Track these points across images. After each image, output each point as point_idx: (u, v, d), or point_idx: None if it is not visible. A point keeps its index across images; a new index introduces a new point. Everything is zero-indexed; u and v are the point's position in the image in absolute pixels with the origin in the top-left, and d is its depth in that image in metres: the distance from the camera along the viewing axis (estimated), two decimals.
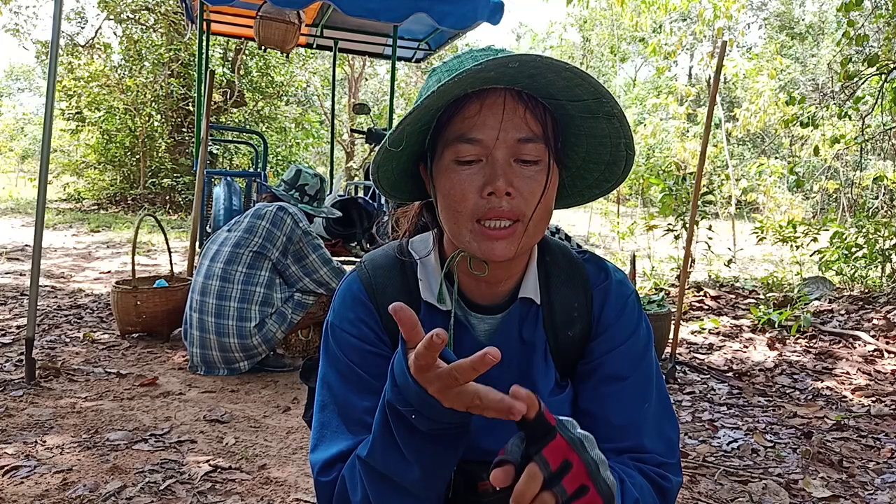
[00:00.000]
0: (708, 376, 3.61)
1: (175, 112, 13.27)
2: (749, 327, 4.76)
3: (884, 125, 6.94)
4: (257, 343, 3.11)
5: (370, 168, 0.89)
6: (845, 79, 6.07)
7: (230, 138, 10.24)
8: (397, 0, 4.23)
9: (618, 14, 12.01)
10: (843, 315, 5.01)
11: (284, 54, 6.25)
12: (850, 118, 6.61)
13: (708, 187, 6.27)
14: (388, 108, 5.90)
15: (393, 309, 0.67)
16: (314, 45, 6.53)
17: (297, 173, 3.51)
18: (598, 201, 10.80)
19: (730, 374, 3.67)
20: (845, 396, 3.31)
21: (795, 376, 3.64)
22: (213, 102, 4.62)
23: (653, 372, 0.96)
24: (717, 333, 4.61)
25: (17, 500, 1.88)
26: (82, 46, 14.00)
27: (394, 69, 5.32)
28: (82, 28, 21.21)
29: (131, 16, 13.40)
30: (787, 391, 3.39)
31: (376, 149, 0.87)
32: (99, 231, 9.49)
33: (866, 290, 5.73)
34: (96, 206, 13.30)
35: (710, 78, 9.59)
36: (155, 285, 3.77)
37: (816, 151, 7.69)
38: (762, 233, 6.80)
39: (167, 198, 13.14)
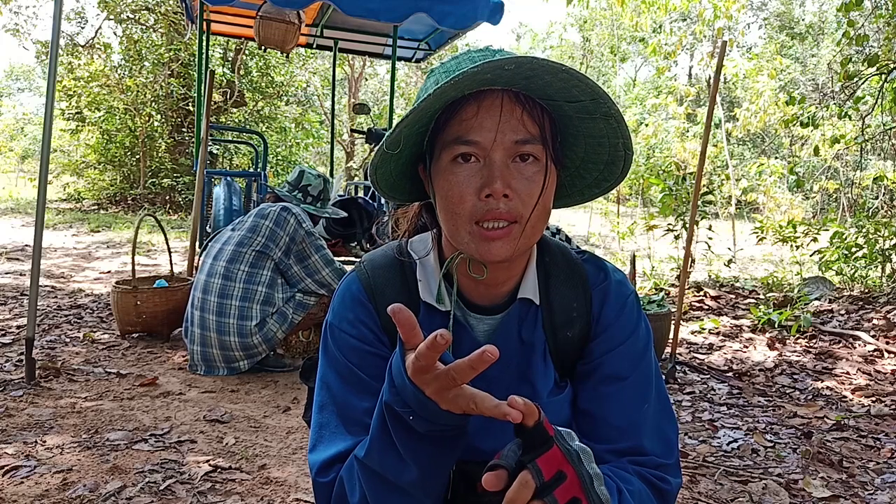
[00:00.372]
0: (708, 376, 3.61)
1: (175, 112, 13.27)
2: (749, 327, 4.76)
3: (884, 125, 6.94)
4: (257, 342, 3.11)
5: (368, 170, 0.89)
6: (845, 79, 6.07)
7: (230, 138, 10.24)
8: (397, 0, 4.23)
9: (618, 14, 12.01)
10: (843, 315, 5.01)
11: (284, 54, 6.24)
12: (850, 118, 6.61)
13: (708, 187, 6.27)
14: (388, 108, 5.91)
15: (391, 310, 0.67)
16: (314, 45, 6.53)
17: (300, 174, 3.52)
18: (598, 201, 10.80)
19: (730, 374, 3.67)
20: (845, 396, 3.31)
21: (795, 376, 3.64)
22: (213, 102, 4.62)
23: (652, 372, 0.96)
24: (717, 333, 4.61)
25: (17, 500, 1.88)
26: (82, 46, 14.00)
27: (394, 69, 5.32)
28: (82, 28, 21.24)
29: (131, 16, 13.41)
30: (787, 391, 3.39)
31: (375, 149, 0.87)
32: (99, 231, 9.49)
33: (866, 290, 5.73)
34: (96, 206, 13.30)
35: (710, 78, 9.59)
36: (155, 285, 3.77)
37: (816, 151, 7.69)
38: (762, 233, 6.80)
39: (167, 198, 13.15)
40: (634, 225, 7.59)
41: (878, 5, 6.46)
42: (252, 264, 3.14)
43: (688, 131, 11.40)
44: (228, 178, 5.10)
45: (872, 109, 6.44)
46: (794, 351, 4.18)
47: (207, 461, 2.20)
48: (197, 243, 4.36)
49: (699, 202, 4.40)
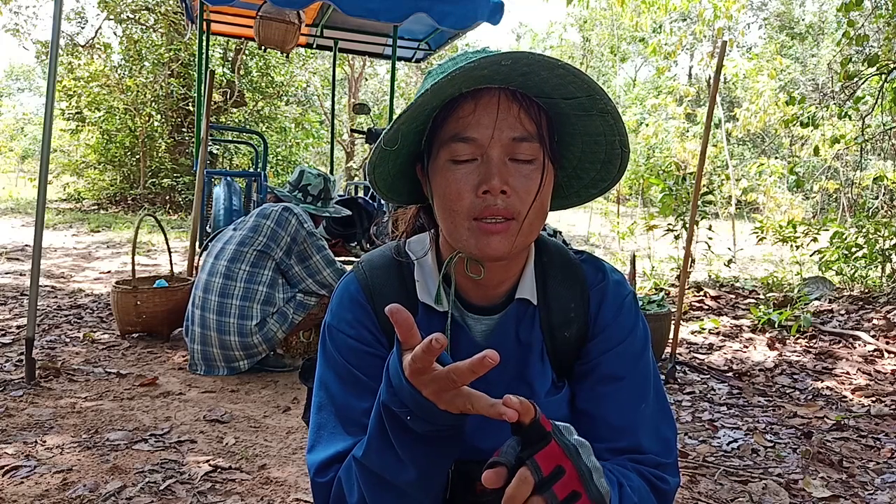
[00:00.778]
0: (708, 376, 3.61)
1: (175, 112, 13.27)
2: (749, 327, 4.76)
3: (884, 125, 6.94)
4: (258, 342, 3.12)
5: (366, 169, 0.89)
6: (845, 79, 6.07)
7: (230, 138, 10.24)
8: (397, 0, 4.23)
9: (618, 14, 12.01)
10: (843, 315, 5.01)
11: (284, 54, 6.24)
12: (850, 118, 6.61)
13: (708, 187, 6.27)
14: (388, 108, 5.90)
15: (389, 310, 0.67)
16: (314, 45, 6.53)
17: (300, 174, 3.53)
18: (598, 201, 10.81)
19: (730, 374, 3.67)
20: (845, 396, 3.31)
21: (795, 376, 3.64)
22: (213, 102, 4.62)
23: (650, 372, 0.96)
24: (717, 333, 4.61)
25: (17, 500, 1.88)
26: (82, 46, 14.01)
27: (394, 69, 5.32)
28: (82, 28, 21.25)
29: (131, 16, 13.41)
30: (787, 391, 3.40)
31: (373, 147, 0.87)
32: (99, 231, 9.49)
33: (866, 290, 5.73)
34: (96, 206, 13.30)
35: (710, 78, 9.59)
36: (155, 285, 3.77)
37: (816, 151, 7.69)
38: (762, 233, 6.80)
39: (167, 198, 13.15)
40: (634, 225, 7.59)
41: (878, 5, 6.46)
42: (253, 264, 3.14)
43: (688, 131, 11.40)
44: (228, 178, 5.10)
45: (872, 109, 6.44)
46: (794, 351, 4.18)
47: (207, 461, 2.20)
48: (197, 243, 4.36)
49: (699, 202, 4.40)
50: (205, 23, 5.49)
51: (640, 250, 7.76)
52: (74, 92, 12.94)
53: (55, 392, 2.78)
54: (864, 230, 5.99)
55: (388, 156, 0.87)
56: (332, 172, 6.85)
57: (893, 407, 3.13)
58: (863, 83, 6.41)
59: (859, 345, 4.24)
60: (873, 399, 3.26)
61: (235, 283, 3.10)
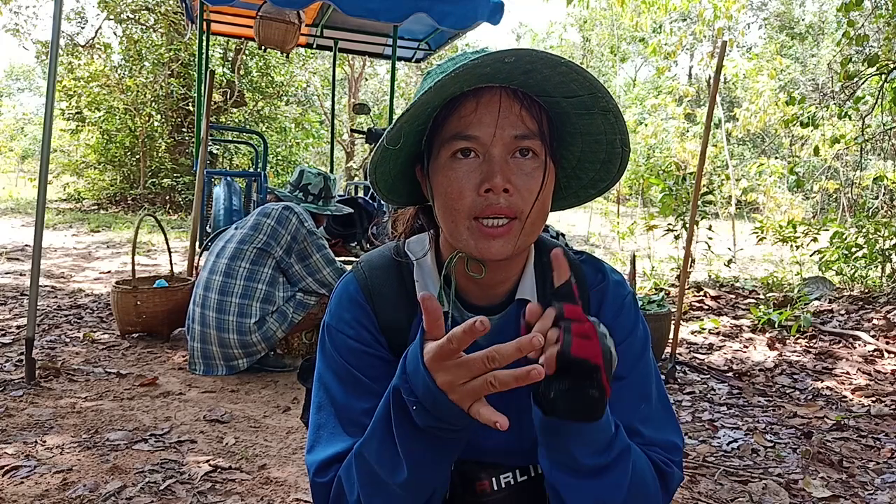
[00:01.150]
0: (708, 376, 3.61)
1: (175, 112, 13.27)
2: (749, 327, 4.76)
3: (884, 125, 6.94)
4: (256, 340, 3.12)
5: (368, 169, 0.89)
6: (845, 79, 6.07)
7: (230, 138, 10.24)
8: (397, 0, 4.23)
9: (618, 14, 12.01)
10: (843, 315, 5.01)
11: (284, 54, 6.24)
12: (850, 118, 6.61)
13: (708, 187, 6.27)
14: (388, 108, 5.90)
15: (421, 297, 0.69)
16: (314, 45, 6.53)
17: (300, 174, 3.54)
18: (598, 201, 10.81)
19: (730, 374, 3.67)
20: (845, 396, 3.31)
21: (795, 376, 3.64)
22: (213, 102, 4.62)
23: (651, 372, 0.95)
24: (717, 333, 4.61)
25: (17, 500, 1.88)
26: (82, 46, 14.00)
27: (394, 69, 5.32)
28: (82, 28, 21.24)
29: (131, 16, 13.41)
30: (787, 391, 3.40)
31: (375, 147, 0.87)
32: (99, 231, 9.49)
33: (866, 290, 5.73)
34: (96, 206, 13.30)
35: (710, 78, 9.59)
36: (155, 285, 3.77)
37: (816, 151, 7.69)
38: (762, 233, 6.80)
39: (167, 198, 13.15)
40: (634, 225, 7.59)
41: (878, 5, 6.46)
42: (253, 262, 3.15)
43: (688, 131, 11.40)
44: (228, 178, 5.10)
45: (872, 109, 6.44)
46: (794, 351, 4.18)
47: (207, 461, 2.20)
48: (197, 243, 4.36)
49: (699, 202, 4.40)
50: (205, 23, 5.49)
51: (640, 250, 7.76)
52: (74, 92, 12.94)
53: (55, 392, 2.78)
54: (864, 230, 5.99)
55: (390, 156, 0.87)
56: (332, 172, 6.85)
57: (893, 407, 3.13)
58: (863, 83, 6.41)
59: (859, 345, 4.24)
60: (873, 399, 3.26)
61: (235, 281, 3.11)
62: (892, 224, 6.00)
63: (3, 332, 3.68)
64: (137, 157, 13.23)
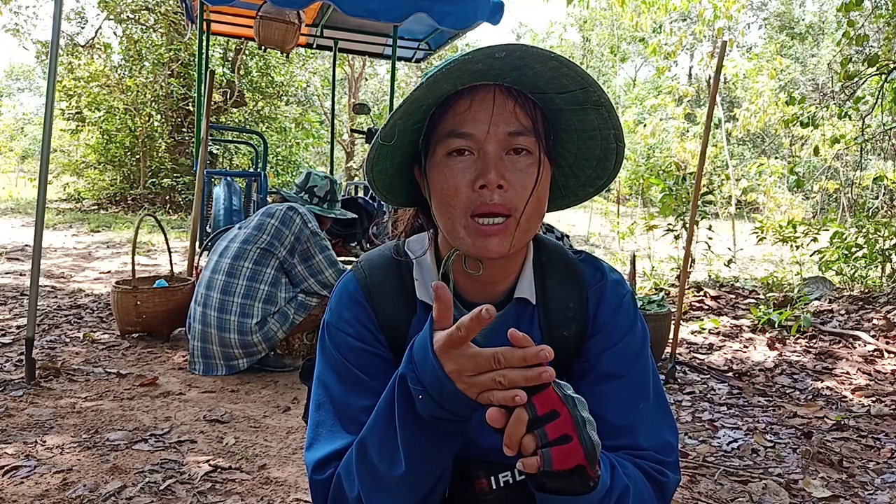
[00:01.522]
0: (708, 376, 3.61)
1: (175, 112, 13.27)
2: (749, 327, 4.76)
3: (884, 125, 6.94)
4: (257, 341, 3.12)
5: (365, 167, 0.90)
6: (845, 79, 6.08)
7: (230, 138, 10.25)
8: (397, 0, 4.23)
9: (618, 14, 12.01)
10: (843, 315, 5.01)
11: (284, 54, 6.24)
12: (850, 118, 6.61)
13: (708, 187, 6.27)
14: (388, 108, 5.91)
15: (434, 286, 0.70)
16: (314, 45, 6.53)
17: (307, 176, 3.57)
18: (598, 201, 10.81)
19: (730, 374, 3.67)
20: (845, 396, 3.31)
21: (795, 376, 3.64)
22: (213, 102, 4.62)
23: (649, 371, 0.96)
24: (717, 333, 4.61)
25: (17, 500, 1.88)
26: (82, 46, 14.01)
27: (394, 69, 5.32)
28: (82, 28, 21.25)
29: (131, 16, 13.41)
30: (787, 391, 3.40)
31: (371, 144, 0.88)
32: (99, 231, 9.49)
33: (866, 290, 5.73)
34: (96, 206, 13.30)
35: (710, 78, 9.59)
36: (155, 285, 3.77)
37: (816, 151, 7.69)
38: (762, 233, 6.80)
39: (167, 198, 13.15)
40: (634, 225, 7.60)
41: (878, 5, 6.46)
42: (256, 262, 3.15)
43: (688, 131, 11.40)
44: (228, 178, 5.10)
45: (872, 109, 6.44)
46: (794, 351, 4.18)
47: (207, 461, 2.20)
48: (197, 243, 4.36)
49: (699, 202, 4.40)
50: (205, 23, 5.49)
51: (640, 250, 7.76)
52: (74, 92, 12.94)
53: (55, 392, 2.78)
54: (864, 230, 5.99)
55: (386, 154, 0.88)
56: (332, 172, 6.86)
57: (893, 407, 3.13)
58: (863, 83, 6.41)
59: (859, 345, 4.24)
60: (873, 399, 3.26)
61: (238, 281, 3.11)
62: (892, 224, 6.00)
63: (3, 332, 3.68)
64: (137, 157, 13.23)
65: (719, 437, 2.70)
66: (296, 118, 15.74)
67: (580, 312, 0.96)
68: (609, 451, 0.89)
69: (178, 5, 11.83)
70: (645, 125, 11.04)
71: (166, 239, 4.16)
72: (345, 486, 0.84)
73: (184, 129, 13.25)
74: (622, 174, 10.19)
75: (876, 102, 6.25)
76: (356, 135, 7.42)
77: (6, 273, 5.64)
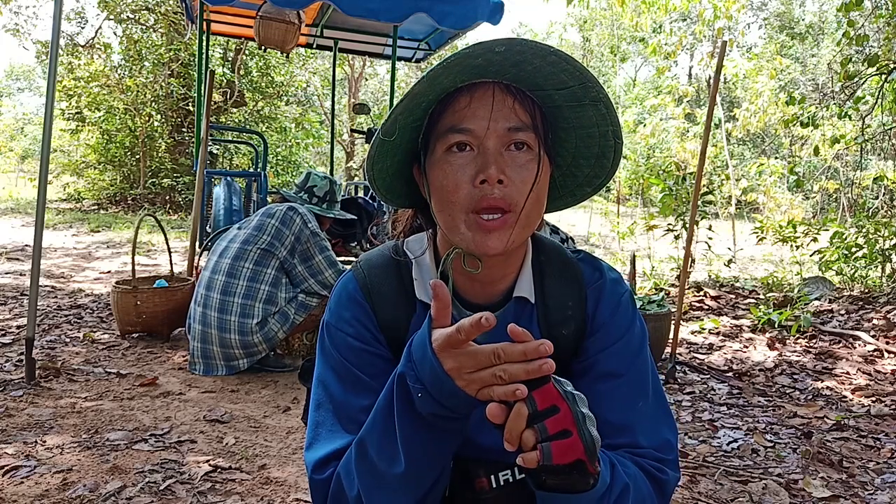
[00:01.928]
0: (708, 376, 3.61)
1: (175, 112, 13.27)
2: (749, 327, 4.76)
3: (884, 125, 6.94)
4: (258, 341, 3.12)
5: (365, 165, 0.90)
6: (845, 79, 6.08)
7: (230, 138, 10.25)
8: (397, 0, 4.23)
9: (618, 14, 12.01)
10: (843, 315, 5.01)
11: (284, 54, 6.24)
12: (850, 118, 6.61)
13: (708, 187, 6.27)
14: (387, 108, 5.91)
15: (433, 284, 0.71)
16: (314, 45, 6.53)
17: (307, 176, 3.57)
18: (598, 201, 10.80)
19: (730, 374, 3.67)
20: (845, 396, 3.31)
21: (795, 376, 3.64)
22: (213, 102, 4.62)
23: (648, 370, 0.96)
24: (717, 333, 4.61)
25: (17, 500, 1.88)
26: (82, 46, 14.01)
27: (394, 69, 5.32)
28: (82, 28, 21.25)
29: (131, 16, 13.41)
30: (787, 391, 3.40)
31: (372, 141, 0.88)
32: (99, 231, 9.49)
33: (866, 290, 5.73)
34: (96, 206, 13.30)
35: (710, 78, 9.59)
36: (155, 285, 3.77)
37: (816, 151, 7.69)
38: (762, 233, 6.80)
39: (167, 198, 13.15)
40: (634, 225, 7.60)
41: (878, 5, 6.46)
42: (257, 262, 3.15)
43: (688, 131, 11.40)
44: (228, 178, 5.10)
45: (872, 109, 6.44)
46: (794, 351, 4.18)
47: (207, 461, 2.20)
48: (197, 243, 4.37)
49: (699, 202, 4.40)
50: (205, 23, 5.49)
51: (640, 250, 7.76)
52: (74, 92, 12.94)
53: (55, 392, 2.78)
54: (864, 230, 5.99)
55: (387, 151, 0.88)
56: (332, 172, 6.86)
57: (893, 407, 3.13)
58: (863, 83, 6.41)
59: (859, 345, 4.24)
60: (873, 399, 3.26)
61: (238, 282, 3.11)
62: (892, 224, 6.00)
63: (3, 332, 3.68)
64: (137, 157, 13.24)
65: (719, 437, 2.70)
66: (296, 118, 15.74)
67: (579, 311, 0.96)
68: (608, 449, 0.89)
69: (178, 5, 11.83)
70: (645, 125, 11.04)
71: (166, 239, 4.16)
72: (344, 486, 0.84)
73: (184, 129, 13.25)
74: (622, 174, 10.19)
75: (876, 102, 6.25)
76: (356, 135, 7.43)
77: (6, 273, 5.64)
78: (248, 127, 12.73)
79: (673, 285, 6.11)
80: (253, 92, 13.83)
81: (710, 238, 6.61)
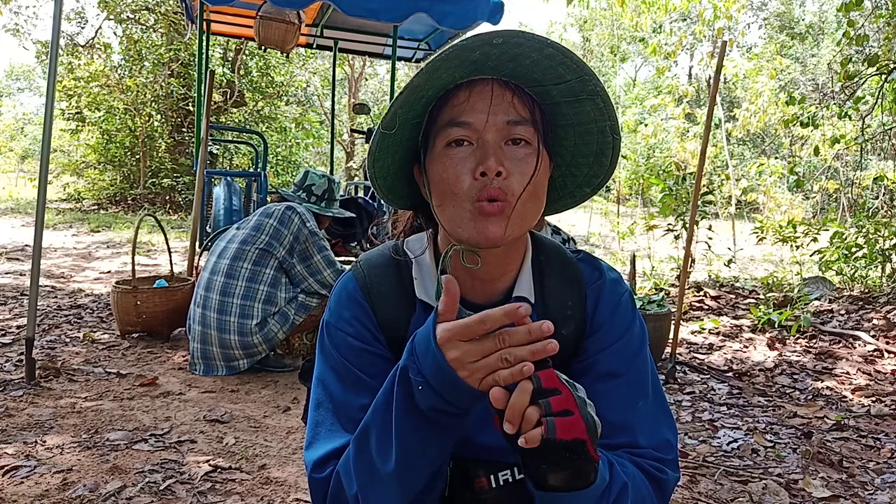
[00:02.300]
0: (708, 376, 3.61)
1: (175, 112, 13.27)
2: (749, 327, 4.76)
3: (884, 125, 6.94)
4: (258, 342, 3.12)
5: (366, 162, 0.91)
6: (845, 79, 6.08)
7: (230, 138, 10.25)
8: (397, 0, 4.23)
9: (618, 14, 12.01)
10: (843, 315, 5.01)
11: (284, 54, 6.25)
12: (850, 118, 6.61)
13: (708, 187, 6.27)
14: (387, 108, 5.91)
15: (444, 279, 0.73)
16: (314, 45, 6.53)
17: (304, 175, 3.56)
18: (598, 201, 10.80)
19: (730, 374, 3.67)
20: (845, 396, 3.31)
21: (795, 376, 3.64)
22: (213, 102, 4.62)
23: (647, 370, 0.96)
24: (717, 333, 4.61)
25: (17, 500, 1.88)
26: (82, 46, 14.01)
27: (394, 69, 5.32)
28: (82, 28, 21.27)
29: (131, 16, 13.41)
30: (787, 391, 3.40)
31: (373, 137, 0.89)
32: (99, 231, 9.49)
33: (866, 290, 5.73)
34: (96, 206, 13.30)
35: (710, 78, 9.59)
36: (155, 285, 3.77)
37: (816, 151, 7.69)
38: (762, 233, 6.80)
39: (167, 198, 13.14)
40: (634, 225, 7.59)
41: (878, 5, 6.46)
42: (256, 262, 3.15)
43: (688, 131, 11.40)
44: (228, 178, 5.10)
45: (872, 109, 6.44)
46: (794, 351, 4.18)
47: (207, 461, 2.20)
48: (197, 243, 4.37)
49: (699, 202, 4.40)
50: (205, 23, 5.49)
51: (640, 250, 7.76)
52: (74, 92, 12.94)
53: (55, 392, 2.78)
54: (864, 230, 5.99)
55: (388, 147, 0.88)
56: (332, 172, 6.86)
57: (893, 407, 3.13)
58: (863, 83, 6.41)
59: (859, 345, 4.24)
60: (873, 399, 3.26)
61: (237, 282, 3.10)
62: (892, 224, 6.00)
63: (3, 332, 3.68)
64: (137, 157, 13.23)
65: (719, 437, 2.70)
66: (296, 118, 15.74)
67: (578, 311, 0.96)
68: (608, 449, 0.89)
69: (178, 5, 11.82)
70: (646, 125, 11.04)
71: (166, 239, 4.16)
72: (344, 485, 0.85)
73: (184, 129, 13.25)
74: (622, 174, 10.19)
75: (876, 102, 6.25)
76: (356, 135, 7.43)
77: (6, 273, 5.64)
78: (248, 127, 12.73)
79: (673, 285, 6.11)
80: (253, 92, 13.83)
81: (710, 238, 6.61)
